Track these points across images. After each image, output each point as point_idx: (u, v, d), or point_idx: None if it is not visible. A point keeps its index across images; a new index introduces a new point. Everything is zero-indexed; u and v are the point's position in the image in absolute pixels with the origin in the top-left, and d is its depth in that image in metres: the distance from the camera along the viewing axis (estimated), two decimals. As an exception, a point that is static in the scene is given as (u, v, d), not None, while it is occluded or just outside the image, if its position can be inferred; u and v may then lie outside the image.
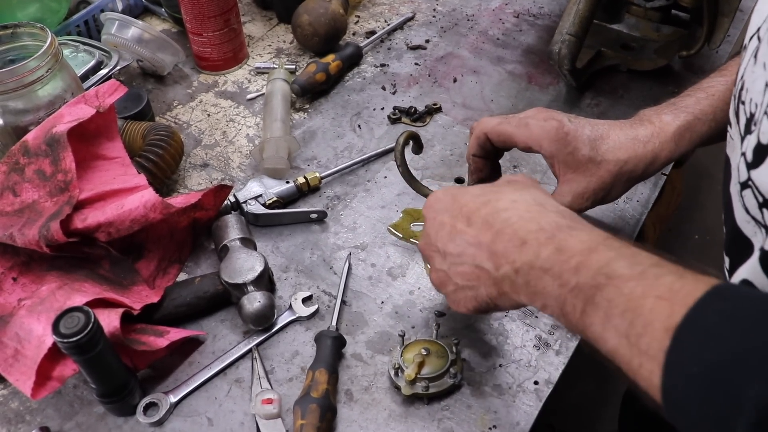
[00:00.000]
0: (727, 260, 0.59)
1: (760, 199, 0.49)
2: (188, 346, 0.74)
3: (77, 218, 0.73)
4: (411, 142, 0.78)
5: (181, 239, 0.83)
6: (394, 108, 1.03)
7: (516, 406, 0.69)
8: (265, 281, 0.77)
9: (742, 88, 0.54)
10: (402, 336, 0.71)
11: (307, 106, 1.05)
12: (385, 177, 0.93)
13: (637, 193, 0.90)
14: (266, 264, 0.77)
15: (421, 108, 1.02)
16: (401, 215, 0.84)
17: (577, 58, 0.97)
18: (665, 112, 0.72)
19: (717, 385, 0.37)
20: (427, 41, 1.17)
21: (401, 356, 0.70)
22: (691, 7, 1.01)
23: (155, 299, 0.75)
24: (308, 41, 1.11)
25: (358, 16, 1.23)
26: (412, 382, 0.68)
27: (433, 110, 1.03)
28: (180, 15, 1.07)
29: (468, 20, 1.22)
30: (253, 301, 0.73)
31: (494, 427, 0.68)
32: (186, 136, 0.99)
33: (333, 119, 1.02)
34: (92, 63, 0.98)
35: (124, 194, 0.77)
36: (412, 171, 0.79)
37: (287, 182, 0.89)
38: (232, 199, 0.86)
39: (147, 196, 0.75)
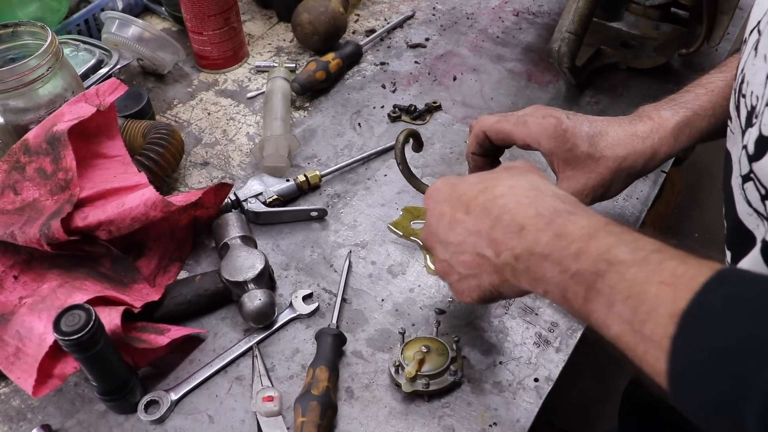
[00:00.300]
0: (728, 254, 0.59)
1: (763, 191, 0.49)
2: (189, 344, 0.74)
3: (78, 216, 0.74)
4: (411, 140, 0.78)
5: (182, 237, 0.83)
6: (394, 106, 1.03)
7: (516, 403, 0.69)
8: (266, 279, 0.77)
9: (742, 82, 0.54)
10: (402, 333, 0.71)
11: (307, 104, 1.05)
12: (385, 175, 0.93)
13: (636, 190, 0.90)
14: (267, 262, 0.77)
15: (421, 106, 1.02)
16: (401, 213, 0.84)
17: (576, 56, 0.97)
18: (664, 107, 0.72)
19: (725, 371, 0.36)
20: (427, 39, 1.17)
21: (401, 354, 0.70)
22: (690, 5, 1.01)
23: (156, 297, 0.75)
24: (308, 40, 1.11)
25: (358, 15, 1.23)
26: (413, 380, 0.68)
27: (432, 108, 1.03)
28: (180, 14, 1.07)
29: (468, 18, 1.22)
30: (254, 298, 0.73)
31: (494, 424, 0.68)
32: (186, 135, 0.99)
33: (333, 117, 1.03)
34: (92, 62, 0.98)
35: (124, 192, 0.77)
36: (412, 169, 0.79)
37: (287, 180, 0.89)
38: (233, 198, 0.87)
39: (147, 194, 0.75)
